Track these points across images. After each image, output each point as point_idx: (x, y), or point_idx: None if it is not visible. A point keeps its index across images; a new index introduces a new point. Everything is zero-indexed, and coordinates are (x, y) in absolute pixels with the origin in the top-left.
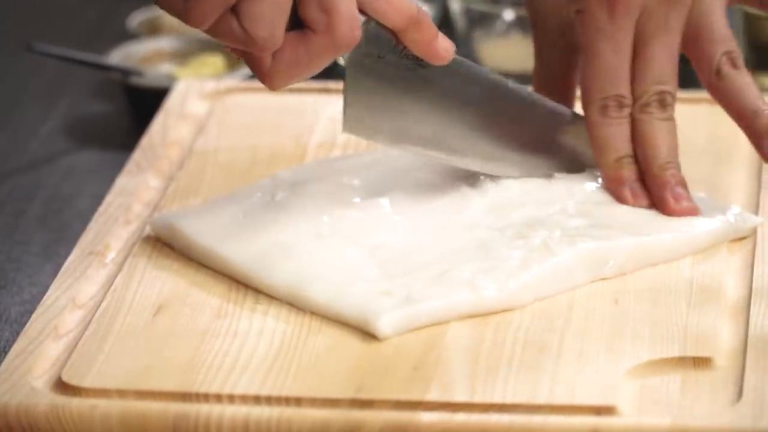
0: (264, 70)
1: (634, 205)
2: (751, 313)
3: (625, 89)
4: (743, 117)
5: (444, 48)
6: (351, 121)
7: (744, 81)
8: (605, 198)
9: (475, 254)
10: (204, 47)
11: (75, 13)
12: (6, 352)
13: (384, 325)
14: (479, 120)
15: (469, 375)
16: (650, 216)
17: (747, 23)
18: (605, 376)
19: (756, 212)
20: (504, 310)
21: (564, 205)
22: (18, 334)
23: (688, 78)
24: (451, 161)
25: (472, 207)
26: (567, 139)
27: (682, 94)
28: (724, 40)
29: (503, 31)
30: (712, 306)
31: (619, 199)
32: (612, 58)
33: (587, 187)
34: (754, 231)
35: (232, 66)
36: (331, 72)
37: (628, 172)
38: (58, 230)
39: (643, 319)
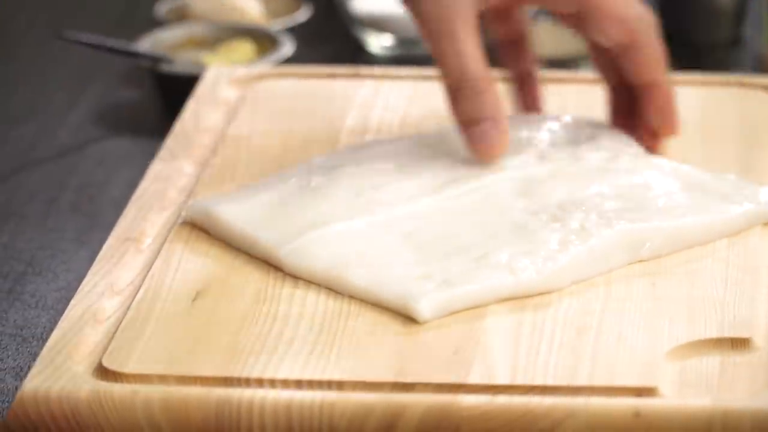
0: None
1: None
2: None
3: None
4: None
5: None
6: None
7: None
8: (638, 180)
9: (512, 237)
10: (233, 34)
11: (102, 1)
12: (44, 338)
13: (424, 308)
14: None
15: (509, 357)
16: (684, 198)
17: None
18: (645, 358)
19: None
20: (542, 293)
21: (598, 187)
22: (55, 320)
23: (713, 61)
24: None
25: (504, 191)
26: None
27: (711, 77)
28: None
29: (532, 16)
30: (749, 287)
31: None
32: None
33: (620, 169)
34: None
35: (262, 52)
36: (361, 57)
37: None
38: (91, 217)
39: (680, 300)
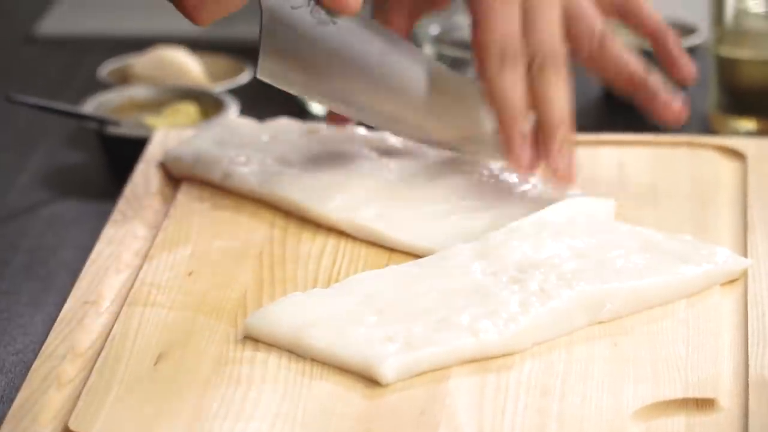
0: (188, 10)
1: (519, 162)
2: (749, 354)
3: (519, 46)
4: (636, 79)
5: None
6: (266, 70)
7: (625, 49)
8: (596, 241)
9: (472, 299)
10: (177, 96)
11: (43, 64)
12: (4, 402)
13: (387, 371)
14: (388, 80)
15: (475, 419)
16: (642, 259)
17: (721, 67)
18: (611, 419)
19: (745, 254)
20: (504, 354)
21: (556, 248)
22: (14, 383)
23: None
24: (359, 118)
25: (462, 252)
26: (475, 109)
27: (660, 137)
28: (598, 17)
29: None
30: (711, 347)
31: (512, 158)
32: (504, 26)
33: (577, 231)
34: (745, 273)
35: (206, 114)
36: (304, 118)
37: (524, 127)
38: (45, 280)
39: (643, 361)
